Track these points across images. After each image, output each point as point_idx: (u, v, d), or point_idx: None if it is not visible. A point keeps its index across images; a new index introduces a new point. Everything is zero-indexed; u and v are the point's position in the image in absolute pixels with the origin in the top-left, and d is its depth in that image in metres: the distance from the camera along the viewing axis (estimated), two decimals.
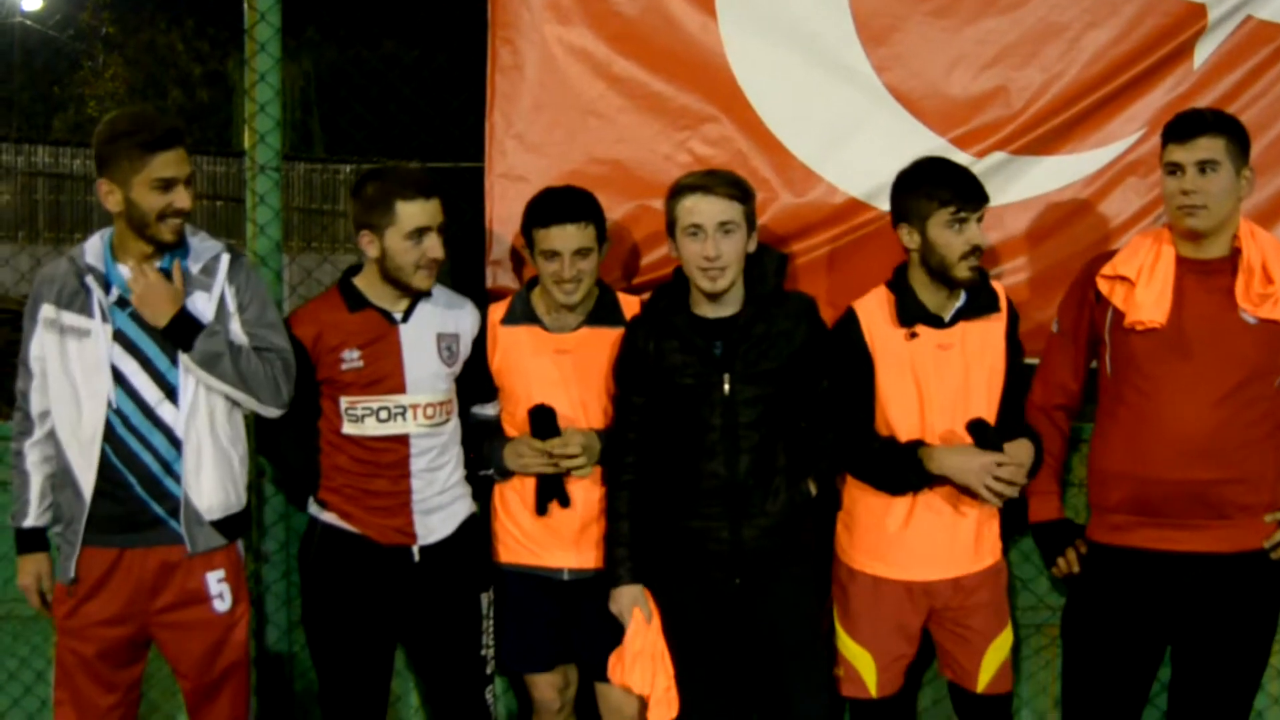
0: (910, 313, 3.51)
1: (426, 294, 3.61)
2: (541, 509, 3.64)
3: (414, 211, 3.47)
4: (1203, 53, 3.98)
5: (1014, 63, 4.01)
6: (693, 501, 3.49)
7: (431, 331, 3.60)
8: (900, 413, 3.51)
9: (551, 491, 3.62)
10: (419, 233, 3.48)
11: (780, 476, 3.49)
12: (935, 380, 3.48)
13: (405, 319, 3.59)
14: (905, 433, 3.50)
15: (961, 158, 3.95)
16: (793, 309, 3.55)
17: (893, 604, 3.55)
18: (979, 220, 3.44)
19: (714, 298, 3.46)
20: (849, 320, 3.58)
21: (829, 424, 3.57)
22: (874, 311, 3.58)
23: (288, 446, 3.81)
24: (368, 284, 3.60)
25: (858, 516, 3.61)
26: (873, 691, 3.58)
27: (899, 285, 3.56)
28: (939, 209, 3.42)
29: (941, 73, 4.03)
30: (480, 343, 3.70)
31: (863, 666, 3.58)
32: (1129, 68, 3.98)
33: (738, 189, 3.45)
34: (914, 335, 3.50)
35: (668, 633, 3.54)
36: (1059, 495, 3.64)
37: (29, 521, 3.46)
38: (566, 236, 3.55)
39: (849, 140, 4.06)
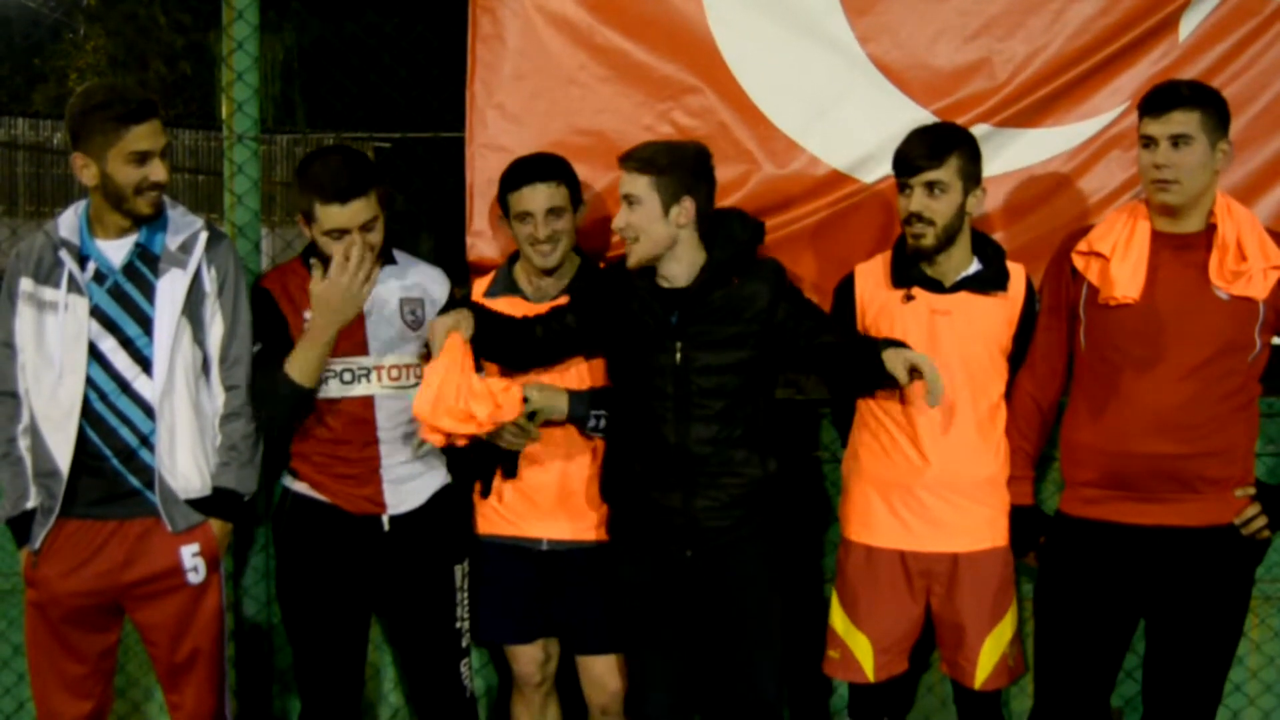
0: (904, 275, 3.52)
1: (390, 259, 3.61)
2: (486, 488, 3.64)
3: (334, 214, 3.41)
4: (1188, 25, 3.95)
5: (998, 34, 3.98)
6: (649, 470, 3.49)
7: (394, 296, 3.60)
8: None
9: (494, 466, 3.62)
10: (338, 233, 3.42)
11: (741, 449, 3.46)
12: (926, 345, 3.46)
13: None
14: (890, 393, 3.50)
15: None
16: (756, 274, 3.51)
17: (888, 581, 3.53)
18: (931, 188, 3.42)
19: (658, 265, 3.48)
20: (846, 281, 3.64)
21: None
22: (871, 273, 3.61)
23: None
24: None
25: (851, 484, 3.62)
26: (870, 676, 3.57)
27: (898, 249, 3.57)
28: (895, 175, 3.51)
29: (925, 44, 3.99)
30: None
31: (860, 651, 3.57)
32: (1114, 40, 3.95)
33: (642, 161, 3.43)
34: (910, 298, 3.50)
35: (623, 601, 3.58)
36: (1031, 481, 3.62)
37: (31, 502, 3.41)
38: (538, 196, 3.57)
39: (832, 111, 4.03)
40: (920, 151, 3.45)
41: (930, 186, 3.43)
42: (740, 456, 3.46)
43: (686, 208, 3.43)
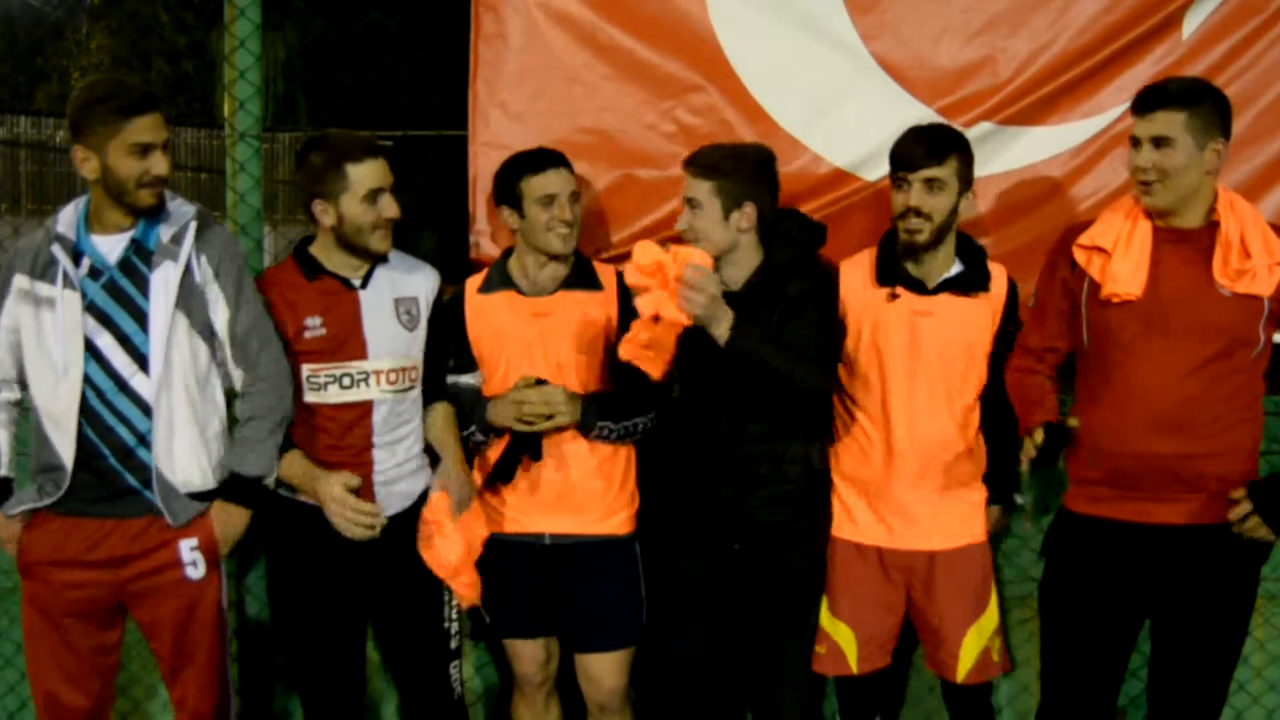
0: (889, 274, 3.53)
1: (383, 259, 3.59)
2: (508, 475, 3.61)
3: (366, 173, 3.46)
4: (1192, 23, 3.95)
5: (1002, 32, 3.98)
6: (701, 464, 3.53)
7: (389, 296, 3.59)
8: (869, 374, 3.54)
9: (519, 452, 3.59)
10: (373, 194, 3.47)
11: (793, 444, 3.52)
12: (905, 346, 3.49)
13: (364, 285, 3.57)
14: (869, 392, 3.53)
15: None
16: (809, 278, 3.54)
17: (869, 573, 3.56)
18: (931, 184, 3.42)
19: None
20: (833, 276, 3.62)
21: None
22: (856, 270, 3.60)
23: None
24: (323, 252, 3.57)
25: (835, 483, 3.64)
26: (854, 668, 3.59)
27: (884, 246, 3.57)
28: (891, 168, 3.50)
29: (929, 42, 4.00)
30: (458, 313, 3.69)
31: (844, 642, 3.58)
32: (1117, 38, 3.95)
33: (704, 166, 3.46)
34: (895, 296, 3.51)
35: (671, 590, 3.63)
36: (1057, 399, 3.47)
37: (2, 471, 3.43)
38: (562, 179, 3.61)
39: (835, 110, 4.03)
40: (923, 148, 3.45)
41: (930, 183, 3.43)
42: (791, 453, 3.53)
43: (748, 213, 3.47)
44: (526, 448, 3.60)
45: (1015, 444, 3.42)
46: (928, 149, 3.45)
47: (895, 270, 3.53)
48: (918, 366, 3.50)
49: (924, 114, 3.94)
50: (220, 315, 3.40)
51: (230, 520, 3.42)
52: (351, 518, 3.42)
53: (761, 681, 3.63)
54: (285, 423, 3.48)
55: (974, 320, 3.53)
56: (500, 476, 3.64)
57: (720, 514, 3.54)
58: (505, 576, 3.70)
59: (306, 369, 3.52)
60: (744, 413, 3.48)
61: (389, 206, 3.50)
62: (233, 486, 3.42)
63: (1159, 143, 3.25)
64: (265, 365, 3.44)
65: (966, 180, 3.50)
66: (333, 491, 3.42)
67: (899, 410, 3.51)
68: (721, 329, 3.28)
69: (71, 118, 3.27)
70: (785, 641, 3.61)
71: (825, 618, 3.61)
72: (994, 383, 3.59)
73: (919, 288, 3.51)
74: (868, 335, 3.54)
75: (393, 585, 3.61)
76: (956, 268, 3.54)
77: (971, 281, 3.53)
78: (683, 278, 3.21)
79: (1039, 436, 3.27)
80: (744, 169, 3.48)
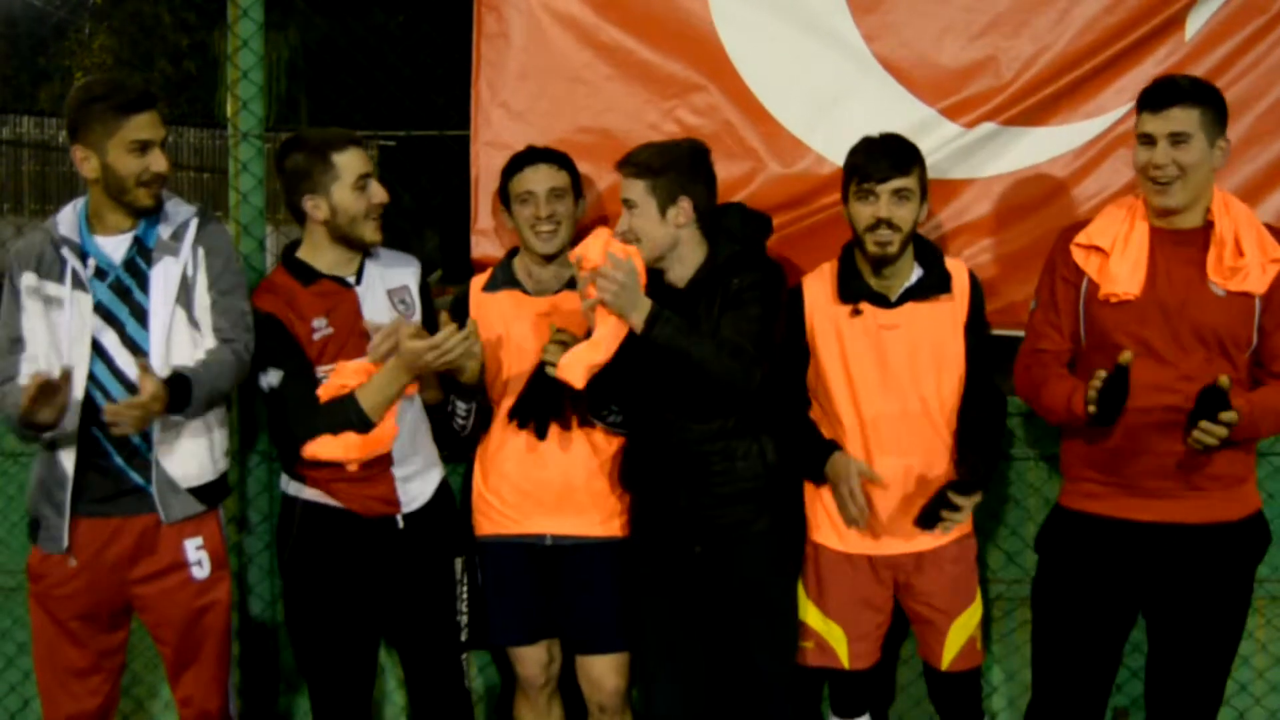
0: (851, 290, 3.50)
1: (370, 254, 3.59)
2: (542, 430, 3.57)
3: (351, 160, 3.48)
4: (1194, 24, 3.94)
5: (1005, 32, 3.98)
6: (657, 467, 3.52)
7: (381, 289, 3.60)
8: (837, 391, 3.52)
9: (543, 409, 3.55)
10: (362, 180, 3.48)
11: (741, 442, 3.49)
12: (874, 361, 3.47)
13: (358, 281, 3.58)
14: (846, 409, 3.51)
15: (950, 128, 3.95)
16: (754, 274, 3.49)
17: (857, 577, 3.56)
18: (899, 195, 3.40)
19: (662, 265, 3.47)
20: (795, 295, 3.60)
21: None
22: (818, 287, 3.58)
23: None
24: (314, 254, 3.57)
25: (817, 490, 3.61)
26: (845, 663, 3.59)
27: (844, 261, 3.55)
28: (851, 180, 3.46)
29: (931, 42, 3.99)
30: (463, 312, 3.68)
31: (834, 639, 3.58)
32: (1120, 38, 3.94)
33: (636, 165, 3.46)
34: (858, 313, 3.49)
35: (636, 596, 3.60)
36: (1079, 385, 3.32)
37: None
38: (540, 176, 3.61)
39: (837, 110, 4.02)
40: (891, 159, 3.43)
41: (898, 194, 3.42)
42: (742, 450, 3.49)
43: (684, 208, 3.45)
44: (550, 404, 3.56)
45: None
46: (894, 160, 3.43)
47: (857, 286, 3.51)
48: (890, 381, 3.47)
49: (926, 114, 3.95)
50: (203, 298, 3.37)
51: (152, 389, 3.15)
52: (460, 347, 3.33)
53: (746, 684, 3.61)
54: (218, 393, 3.36)
55: (941, 323, 3.51)
56: (532, 418, 3.57)
57: (678, 517, 3.52)
58: (506, 581, 3.70)
59: (319, 370, 3.51)
60: (688, 411, 3.46)
61: (378, 192, 3.52)
62: (169, 380, 3.24)
63: (1176, 139, 3.24)
64: (235, 339, 3.39)
65: (925, 190, 3.50)
66: (430, 336, 3.35)
67: (878, 426, 3.49)
68: (636, 318, 3.27)
69: (70, 118, 3.29)
70: (763, 640, 3.58)
71: (816, 617, 3.60)
72: (971, 374, 3.55)
73: (882, 301, 3.50)
74: (835, 353, 3.52)
75: (414, 581, 3.61)
76: (916, 274, 3.53)
77: (933, 286, 3.51)
78: (599, 267, 3.22)
79: (1097, 380, 3.14)
80: (676, 165, 3.47)
